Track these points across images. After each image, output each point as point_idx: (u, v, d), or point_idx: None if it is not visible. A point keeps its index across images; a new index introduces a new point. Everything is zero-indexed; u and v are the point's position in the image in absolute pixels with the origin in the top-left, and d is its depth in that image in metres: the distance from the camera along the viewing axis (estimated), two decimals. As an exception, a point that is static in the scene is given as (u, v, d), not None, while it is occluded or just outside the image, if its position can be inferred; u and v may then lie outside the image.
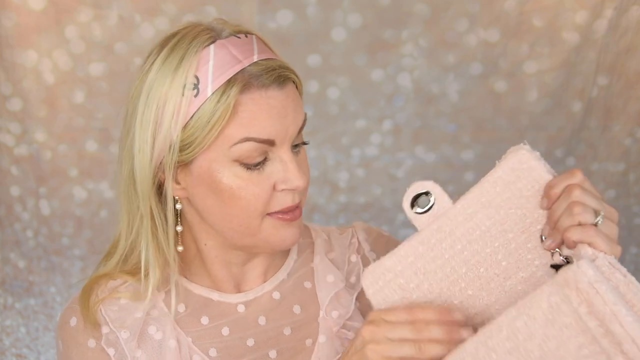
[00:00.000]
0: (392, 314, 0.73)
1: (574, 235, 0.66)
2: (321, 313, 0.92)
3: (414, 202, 0.76)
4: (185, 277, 0.92)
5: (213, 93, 0.78)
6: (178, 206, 0.86)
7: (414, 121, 1.87)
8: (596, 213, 0.66)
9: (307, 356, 0.90)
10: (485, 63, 1.80)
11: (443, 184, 0.78)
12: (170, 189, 0.83)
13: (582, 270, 0.61)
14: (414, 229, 0.77)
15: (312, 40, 1.76)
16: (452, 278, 0.75)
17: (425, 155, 1.92)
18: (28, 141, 1.81)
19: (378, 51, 1.78)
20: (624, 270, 0.64)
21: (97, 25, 1.69)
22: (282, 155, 0.82)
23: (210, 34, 0.81)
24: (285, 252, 0.96)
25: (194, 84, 0.78)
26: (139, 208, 0.85)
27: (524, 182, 0.72)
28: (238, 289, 0.92)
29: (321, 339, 0.91)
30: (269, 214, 0.83)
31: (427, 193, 0.75)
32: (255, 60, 0.80)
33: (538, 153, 0.73)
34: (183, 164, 0.82)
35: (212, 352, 0.88)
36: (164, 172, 0.82)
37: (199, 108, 0.78)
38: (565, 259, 0.68)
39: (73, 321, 0.89)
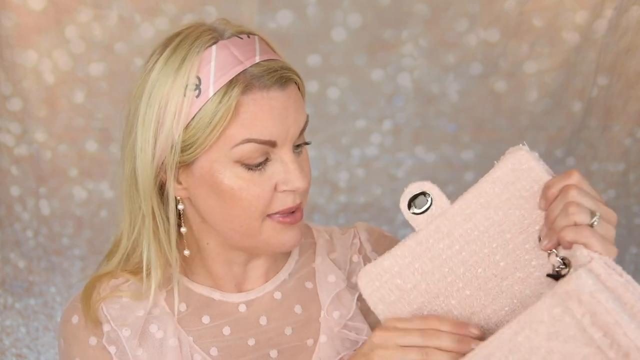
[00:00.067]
0: (406, 321, 0.74)
1: (568, 235, 0.66)
2: (322, 313, 0.92)
3: (412, 202, 0.76)
4: (187, 277, 0.92)
5: (215, 94, 0.78)
6: (180, 206, 0.86)
7: (414, 121, 1.87)
8: (592, 214, 0.66)
9: (308, 356, 0.90)
10: (485, 63, 1.81)
11: (443, 184, 0.78)
12: (172, 189, 0.84)
13: (582, 281, 0.61)
14: (413, 229, 0.77)
15: (312, 40, 1.76)
16: (450, 278, 0.75)
17: (425, 155, 1.92)
18: (28, 141, 1.81)
19: (378, 51, 1.78)
20: (620, 269, 0.64)
21: (97, 25, 1.69)
22: (284, 156, 0.82)
23: (212, 35, 0.81)
24: (287, 253, 0.96)
25: (196, 85, 0.78)
26: (140, 208, 0.85)
27: (522, 182, 0.72)
28: (239, 289, 0.93)
29: (322, 339, 0.91)
30: (269, 216, 0.83)
31: (424, 193, 0.75)
32: (257, 61, 0.80)
33: (537, 154, 0.73)
34: (185, 164, 0.82)
35: (213, 351, 0.89)
36: (165, 172, 0.83)
37: (200, 109, 0.78)
38: (562, 260, 0.68)
39: (75, 319, 0.89)
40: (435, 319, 0.73)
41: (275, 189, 0.82)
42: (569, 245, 0.66)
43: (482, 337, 0.72)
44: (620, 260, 0.66)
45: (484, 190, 0.74)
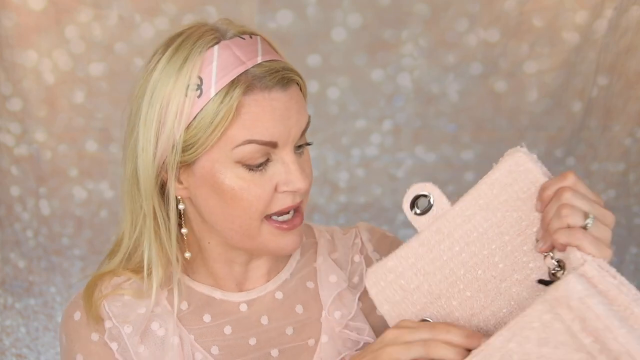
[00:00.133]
0: (417, 323, 0.74)
1: (561, 238, 0.66)
2: (324, 313, 0.92)
3: (414, 203, 0.76)
4: (188, 276, 0.92)
5: (216, 94, 0.78)
6: (181, 206, 0.86)
7: (414, 121, 1.87)
8: (586, 216, 0.66)
9: (309, 356, 0.91)
10: (485, 63, 1.81)
11: (443, 184, 0.78)
12: (173, 188, 0.84)
13: (571, 287, 0.61)
14: (414, 230, 0.77)
15: (312, 40, 1.76)
16: (451, 280, 0.76)
17: (425, 155, 1.92)
18: (28, 141, 1.81)
19: (378, 51, 1.78)
20: (614, 271, 0.64)
21: (97, 25, 1.69)
22: (285, 157, 0.82)
23: (214, 35, 0.81)
24: (288, 253, 0.97)
25: (197, 85, 0.78)
26: (142, 207, 0.85)
27: (520, 184, 0.72)
28: (240, 288, 0.93)
29: (323, 338, 0.91)
30: (267, 219, 0.83)
31: (426, 195, 0.76)
32: (258, 61, 0.80)
33: (535, 155, 0.73)
34: (186, 164, 0.82)
35: (214, 350, 0.89)
36: (166, 172, 0.83)
37: (202, 109, 0.78)
38: (558, 262, 0.68)
39: (77, 315, 0.89)
40: (451, 324, 0.73)
41: (275, 189, 0.82)
42: (562, 248, 0.66)
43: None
44: (620, 260, 0.66)
45: (483, 191, 0.74)
